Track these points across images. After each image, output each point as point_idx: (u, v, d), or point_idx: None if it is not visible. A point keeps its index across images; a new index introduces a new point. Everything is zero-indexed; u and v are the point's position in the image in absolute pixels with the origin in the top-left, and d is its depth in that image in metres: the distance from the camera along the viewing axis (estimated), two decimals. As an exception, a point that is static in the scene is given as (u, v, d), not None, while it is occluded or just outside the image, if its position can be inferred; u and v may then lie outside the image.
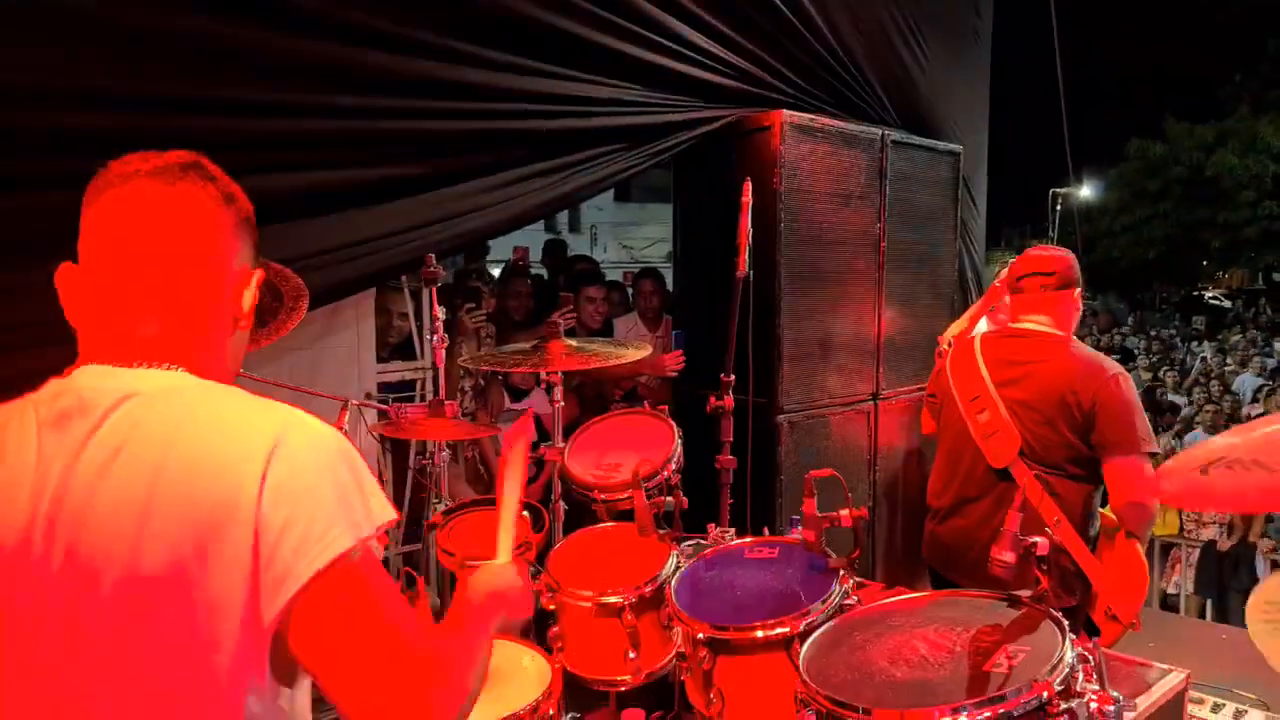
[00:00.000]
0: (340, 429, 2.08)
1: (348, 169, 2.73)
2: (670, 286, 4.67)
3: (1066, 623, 1.42)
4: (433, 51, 2.75)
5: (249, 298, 1.07)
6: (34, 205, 2.06)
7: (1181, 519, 6.21)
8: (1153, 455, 2.44)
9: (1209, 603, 6.27)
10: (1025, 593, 1.52)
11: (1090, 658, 1.39)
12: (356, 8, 2.55)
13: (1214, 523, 6.08)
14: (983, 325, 3.85)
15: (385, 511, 0.98)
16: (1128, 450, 2.41)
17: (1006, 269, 3.79)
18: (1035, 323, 2.63)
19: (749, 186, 2.55)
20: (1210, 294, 18.67)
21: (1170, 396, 9.64)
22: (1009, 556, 1.47)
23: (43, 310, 1.11)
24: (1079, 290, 2.70)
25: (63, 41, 2.10)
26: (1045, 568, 1.50)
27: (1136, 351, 12.52)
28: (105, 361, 0.99)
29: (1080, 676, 1.35)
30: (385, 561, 2.22)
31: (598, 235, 14.71)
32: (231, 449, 0.92)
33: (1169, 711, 2.18)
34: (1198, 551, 6.27)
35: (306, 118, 2.61)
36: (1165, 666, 2.22)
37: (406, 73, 2.72)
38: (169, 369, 0.99)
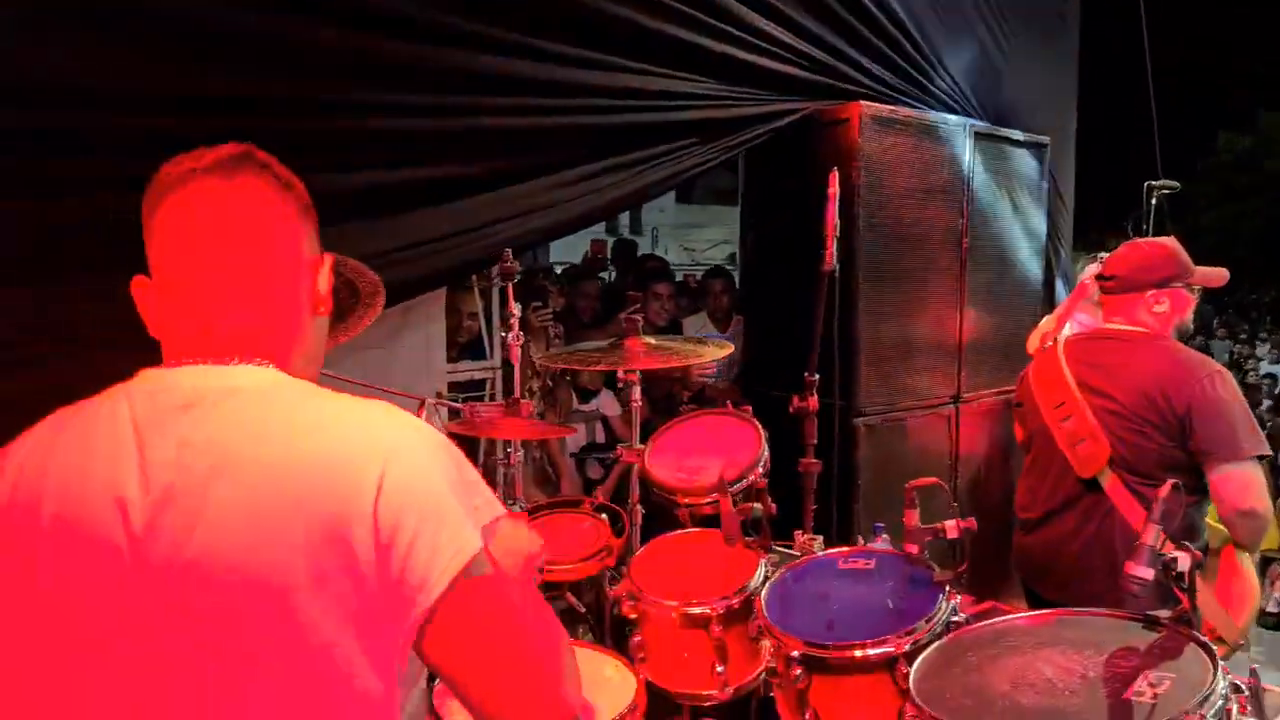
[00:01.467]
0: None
1: (418, 167, 2.70)
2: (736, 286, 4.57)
3: (1215, 648, 1.28)
4: (502, 48, 2.70)
5: (324, 282, 1.04)
6: (95, 206, 2.06)
7: (1281, 531, 5.85)
8: (1262, 459, 2.25)
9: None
10: (1164, 613, 1.38)
11: (1244, 688, 1.25)
12: (429, 5, 2.51)
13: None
14: (1069, 327, 3.66)
15: (496, 507, 0.95)
16: (1232, 455, 2.21)
17: (1096, 264, 3.62)
18: (1125, 322, 2.45)
19: (835, 177, 2.43)
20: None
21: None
22: (1145, 573, 1.33)
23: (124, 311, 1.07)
24: (1181, 285, 2.46)
25: (130, 42, 2.09)
26: (1186, 586, 1.36)
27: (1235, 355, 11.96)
28: (198, 360, 0.95)
29: (1234, 710, 1.21)
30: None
31: (659, 237, 14.65)
32: (344, 452, 0.89)
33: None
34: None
35: (376, 116, 2.58)
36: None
37: (476, 70, 2.68)
38: (261, 364, 0.96)
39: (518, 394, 2.26)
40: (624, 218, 14.41)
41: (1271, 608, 6.02)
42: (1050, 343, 2.64)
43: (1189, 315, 2.52)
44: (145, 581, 0.85)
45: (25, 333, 2.05)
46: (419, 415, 1.99)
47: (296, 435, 0.89)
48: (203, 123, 2.17)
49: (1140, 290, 2.43)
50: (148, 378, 0.95)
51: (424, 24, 2.53)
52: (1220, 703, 1.18)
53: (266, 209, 0.99)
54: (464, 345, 3.59)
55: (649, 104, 3.09)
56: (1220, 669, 1.23)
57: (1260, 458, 2.24)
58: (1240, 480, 2.21)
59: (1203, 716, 1.15)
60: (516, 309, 2.35)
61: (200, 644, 0.85)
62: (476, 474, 0.95)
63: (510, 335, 2.32)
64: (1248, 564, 2.31)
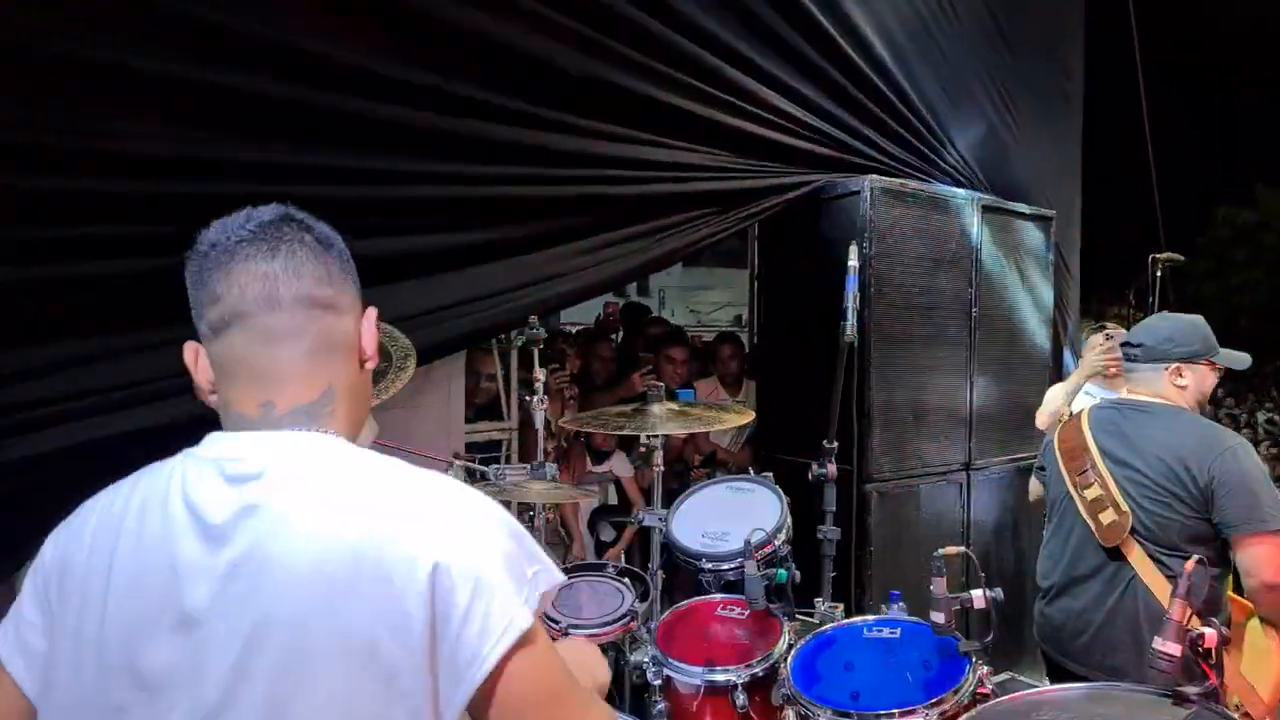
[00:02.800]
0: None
1: (447, 234, 2.78)
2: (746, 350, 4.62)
3: (1244, 725, 1.29)
4: (531, 120, 2.80)
5: (369, 335, 1.05)
6: (134, 270, 2.12)
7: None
8: None
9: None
10: (1193, 689, 1.39)
11: (1273, 766, 1.25)
12: (454, 79, 2.61)
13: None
14: (1094, 395, 3.69)
15: (552, 575, 0.96)
16: (1256, 527, 2.20)
17: (1100, 335, 3.67)
18: (1149, 393, 2.48)
19: (855, 250, 2.49)
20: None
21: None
22: (1174, 649, 1.34)
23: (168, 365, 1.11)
24: (1204, 362, 2.47)
25: (169, 110, 2.18)
26: (1214, 662, 1.37)
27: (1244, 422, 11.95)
28: (257, 427, 0.97)
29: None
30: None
31: (665, 299, 14.78)
32: (400, 530, 0.89)
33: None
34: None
35: (405, 185, 2.67)
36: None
37: (505, 141, 2.77)
38: (321, 431, 0.98)
39: (541, 457, 2.29)
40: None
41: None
42: (1068, 414, 2.66)
43: (1209, 391, 2.53)
44: (199, 652, 0.87)
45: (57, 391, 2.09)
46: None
47: (354, 511, 0.89)
48: (233, 188, 2.25)
49: (1166, 361, 2.45)
50: (214, 442, 0.97)
51: (449, 97, 2.62)
52: (1253, 781, 1.19)
53: (314, 268, 1.00)
54: (481, 406, 3.63)
55: (666, 175, 3.18)
56: (1251, 747, 1.23)
57: None
58: (1266, 553, 2.20)
59: (1236, 795, 1.15)
60: (541, 373, 2.39)
61: (254, 708, 0.85)
62: (532, 541, 0.96)
63: (535, 399, 2.35)
64: (1272, 637, 2.30)
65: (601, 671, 1.23)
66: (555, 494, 2.23)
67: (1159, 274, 4.01)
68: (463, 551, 0.88)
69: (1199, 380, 2.47)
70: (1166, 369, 2.45)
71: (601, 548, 3.98)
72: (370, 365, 1.05)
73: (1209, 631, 1.36)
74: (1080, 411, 2.68)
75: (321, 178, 2.48)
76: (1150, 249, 4.44)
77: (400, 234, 2.68)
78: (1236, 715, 2.19)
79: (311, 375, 0.99)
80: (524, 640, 0.88)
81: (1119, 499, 2.36)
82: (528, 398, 2.45)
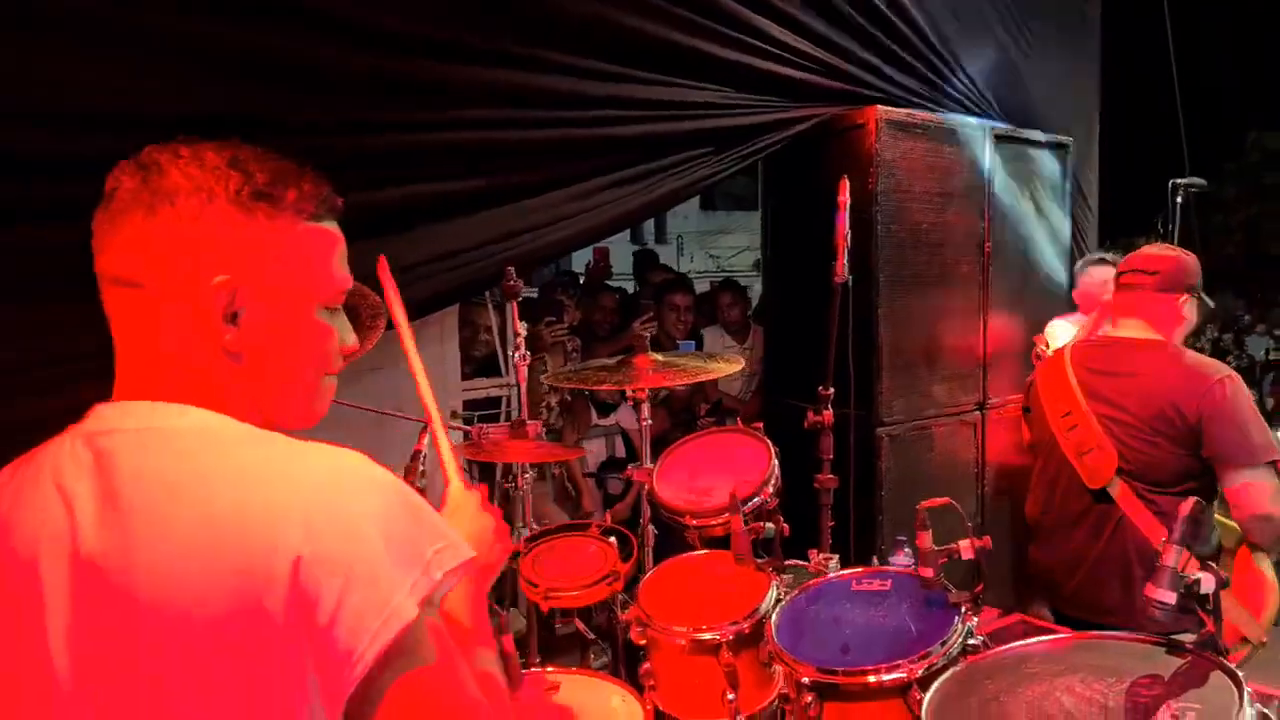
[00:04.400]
0: (420, 452, 2.02)
1: (430, 183, 2.69)
2: (759, 294, 4.51)
3: (1242, 675, 1.22)
4: (516, 61, 2.69)
5: (222, 305, 0.89)
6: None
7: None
8: (1275, 464, 2.17)
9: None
10: (1188, 636, 1.32)
11: (1273, 716, 1.19)
12: (440, 22, 2.50)
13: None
14: (1069, 332, 3.57)
15: (459, 551, 0.86)
16: (1246, 461, 2.16)
17: (1102, 267, 3.53)
18: (1132, 328, 2.38)
19: (846, 185, 2.39)
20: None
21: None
22: (1167, 596, 1.27)
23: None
24: (1189, 297, 2.39)
25: (137, 60, 2.10)
26: (1210, 608, 1.29)
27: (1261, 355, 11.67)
28: (127, 396, 0.90)
29: (1263, 742, 1.15)
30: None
31: (684, 245, 14.61)
32: (261, 511, 0.79)
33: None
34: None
35: (385, 133, 2.58)
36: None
37: (489, 83, 2.67)
38: (182, 405, 0.88)
39: (525, 414, 2.23)
40: (648, 227, 14.38)
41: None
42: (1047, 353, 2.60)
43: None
44: (60, 643, 0.81)
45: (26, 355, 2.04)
46: (421, 439, 1.98)
47: (216, 489, 0.81)
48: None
49: (1178, 291, 2.37)
50: (97, 415, 0.90)
51: (437, 41, 2.52)
52: (1248, 736, 1.12)
53: (118, 237, 0.88)
54: (481, 361, 3.58)
55: (663, 114, 3.06)
56: (1248, 697, 1.16)
57: (1273, 463, 2.18)
58: (1256, 486, 2.17)
59: (1229, 751, 1.09)
60: (523, 328, 2.33)
61: (111, 712, 0.80)
62: (432, 518, 0.86)
63: (516, 355, 2.29)
64: (1264, 561, 2.26)
65: (491, 550, 1.15)
66: (536, 453, 2.18)
67: (1179, 200, 3.84)
68: (333, 537, 0.79)
69: (1193, 313, 2.41)
70: (1179, 298, 2.36)
71: (612, 501, 3.95)
72: (233, 347, 0.89)
73: (1205, 576, 1.28)
74: (1061, 350, 2.59)
75: (295, 128, 2.39)
76: (1174, 176, 4.25)
77: (381, 186, 2.60)
78: (1233, 640, 2.15)
79: (138, 356, 0.90)
80: (409, 634, 0.79)
81: (1104, 437, 2.29)
82: (510, 353, 2.39)
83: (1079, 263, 3.91)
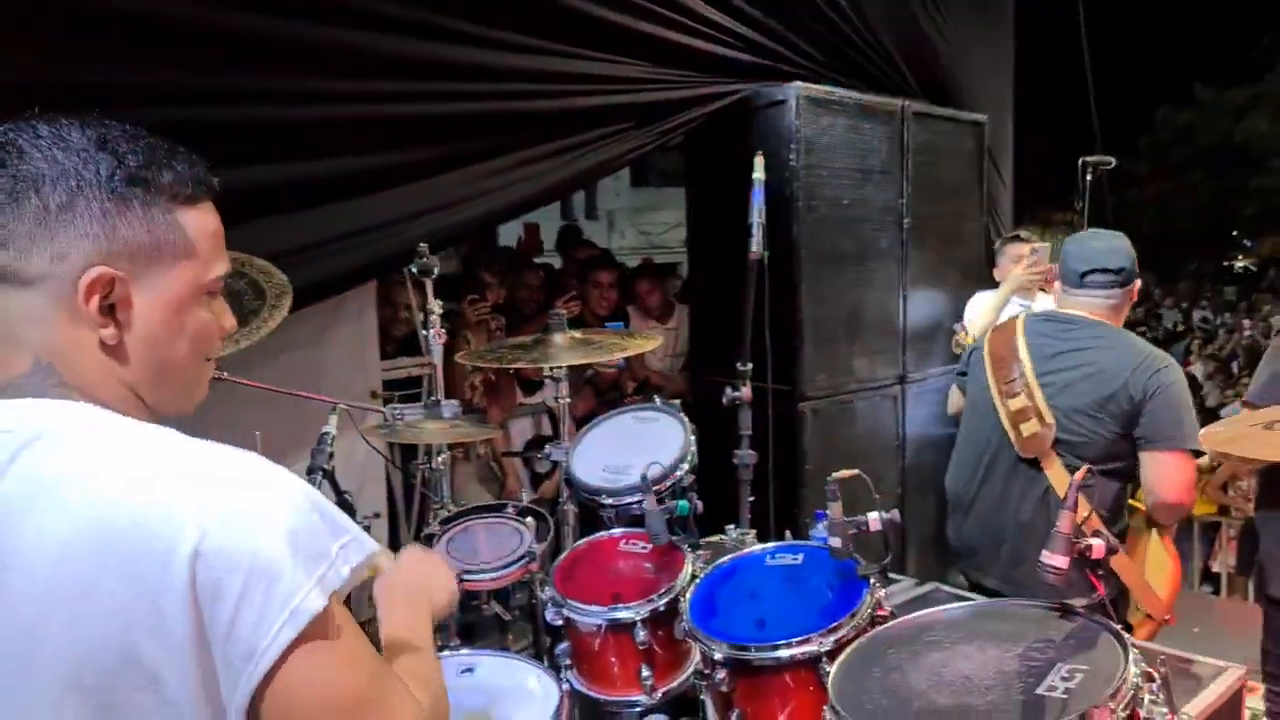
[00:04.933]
0: (328, 433, 1.96)
1: (341, 157, 2.62)
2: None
3: (1128, 636, 1.27)
4: (430, 32, 2.62)
5: (97, 298, 0.84)
6: None
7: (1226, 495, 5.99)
8: (1196, 454, 2.27)
9: (1250, 583, 6.04)
10: (1080, 601, 1.36)
11: (1156, 675, 1.24)
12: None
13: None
14: (991, 305, 3.67)
15: (364, 545, 0.84)
16: (1176, 445, 2.23)
17: (1022, 246, 3.62)
18: (1086, 308, 2.44)
19: (760, 162, 2.39)
20: (1240, 263, 18.24)
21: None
22: (1061, 561, 1.31)
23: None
24: (1137, 284, 2.48)
25: (42, 30, 1.98)
26: (1101, 573, 1.34)
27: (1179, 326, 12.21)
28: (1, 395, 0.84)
29: (1145, 698, 1.20)
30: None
31: (614, 220, 14.53)
32: (155, 513, 0.76)
33: (1227, 711, 2.03)
34: (1239, 530, 6.04)
35: (296, 105, 2.49)
36: (1220, 663, 2.07)
37: (403, 55, 2.60)
38: (62, 401, 0.84)
39: (440, 395, 2.19)
40: (579, 202, 14.27)
41: (1216, 567, 6.16)
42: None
43: None
44: None
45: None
46: (331, 422, 1.93)
47: (103, 490, 0.77)
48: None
49: (1133, 282, 2.43)
50: None
51: (345, 8, 2.44)
52: (1131, 693, 1.17)
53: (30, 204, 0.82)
54: (402, 341, 3.51)
55: (582, 88, 3.02)
56: (1132, 658, 1.21)
57: (1196, 454, 2.26)
58: (1174, 469, 2.24)
59: (1112, 709, 1.13)
60: (437, 305, 2.27)
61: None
62: (334, 513, 0.84)
63: (431, 332, 2.24)
64: (1169, 542, 2.34)
65: (441, 594, 1.17)
66: (453, 433, 2.14)
67: (1089, 178, 3.95)
68: (233, 533, 0.76)
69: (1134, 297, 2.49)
70: (1134, 286, 2.44)
71: (537, 480, 3.93)
72: (105, 329, 0.85)
73: (1096, 542, 1.33)
74: (1013, 319, 2.64)
75: (203, 98, 2.29)
76: (1086, 152, 4.37)
77: (289, 160, 2.51)
78: (1140, 623, 2.24)
79: (10, 352, 0.85)
80: (313, 628, 0.76)
81: (1044, 411, 2.34)
82: (424, 332, 2.34)
83: (998, 241, 4.01)
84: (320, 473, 1.85)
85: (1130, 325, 2.54)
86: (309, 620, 0.76)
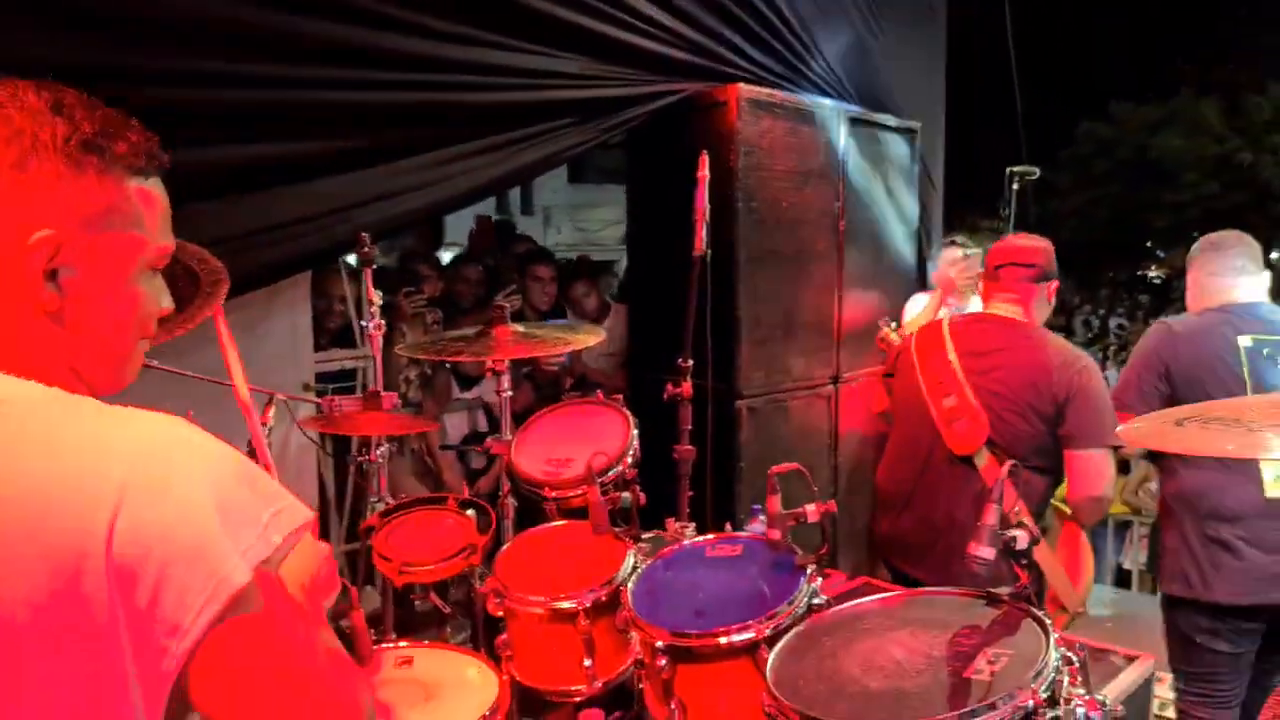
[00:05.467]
0: (266, 424, 1.92)
1: (278, 144, 2.56)
2: (626, 267, 4.51)
3: (1049, 622, 1.33)
4: (370, 19, 2.59)
5: (49, 272, 0.83)
6: None
7: (1131, 495, 6.27)
8: (1116, 449, 2.39)
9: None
10: (1005, 590, 1.43)
11: (1075, 659, 1.30)
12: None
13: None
14: (926, 309, 3.79)
15: (296, 513, 0.81)
16: (1096, 443, 2.35)
17: (957, 250, 3.75)
18: (1009, 310, 2.54)
19: (705, 160, 2.42)
20: (1154, 273, 19.08)
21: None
22: (987, 552, 1.38)
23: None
24: (1056, 284, 2.61)
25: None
26: (1025, 563, 1.41)
27: (1083, 332, 12.72)
28: None
29: (1065, 681, 1.26)
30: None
31: (551, 217, 14.47)
32: (74, 482, 0.74)
33: (1138, 699, 2.14)
34: (1149, 528, 6.34)
35: (230, 88, 2.43)
36: (1131, 653, 2.18)
37: (342, 42, 2.56)
38: None
39: (379, 386, 2.17)
40: (515, 198, 14.15)
41: (1127, 564, 6.46)
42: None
43: None
44: None
45: None
46: (267, 412, 1.89)
47: (20, 461, 0.75)
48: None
49: (1050, 280, 2.55)
50: None
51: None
52: (1052, 676, 1.23)
53: None
54: (336, 332, 3.45)
55: (525, 82, 3.01)
56: (1053, 643, 1.28)
57: (1114, 449, 2.38)
58: (1097, 466, 2.35)
59: (1035, 691, 1.19)
60: (377, 296, 2.25)
61: None
62: (267, 483, 0.82)
63: (370, 324, 2.22)
64: (1085, 538, 2.46)
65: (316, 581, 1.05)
66: (390, 425, 2.12)
67: (1015, 187, 4.11)
68: (153, 508, 0.74)
69: (1053, 298, 2.60)
70: (1050, 285, 2.55)
71: (475, 476, 3.90)
72: (51, 307, 0.84)
73: (1019, 534, 1.39)
74: (940, 321, 2.73)
75: (134, 79, 2.22)
76: (1013, 162, 4.53)
77: (220, 144, 2.45)
78: (1053, 607, 2.35)
79: None
80: (239, 602, 0.74)
81: (977, 408, 2.42)
82: (363, 323, 2.31)
83: (934, 246, 4.14)
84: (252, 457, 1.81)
85: (1051, 330, 2.66)
86: (233, 593, 0.74)
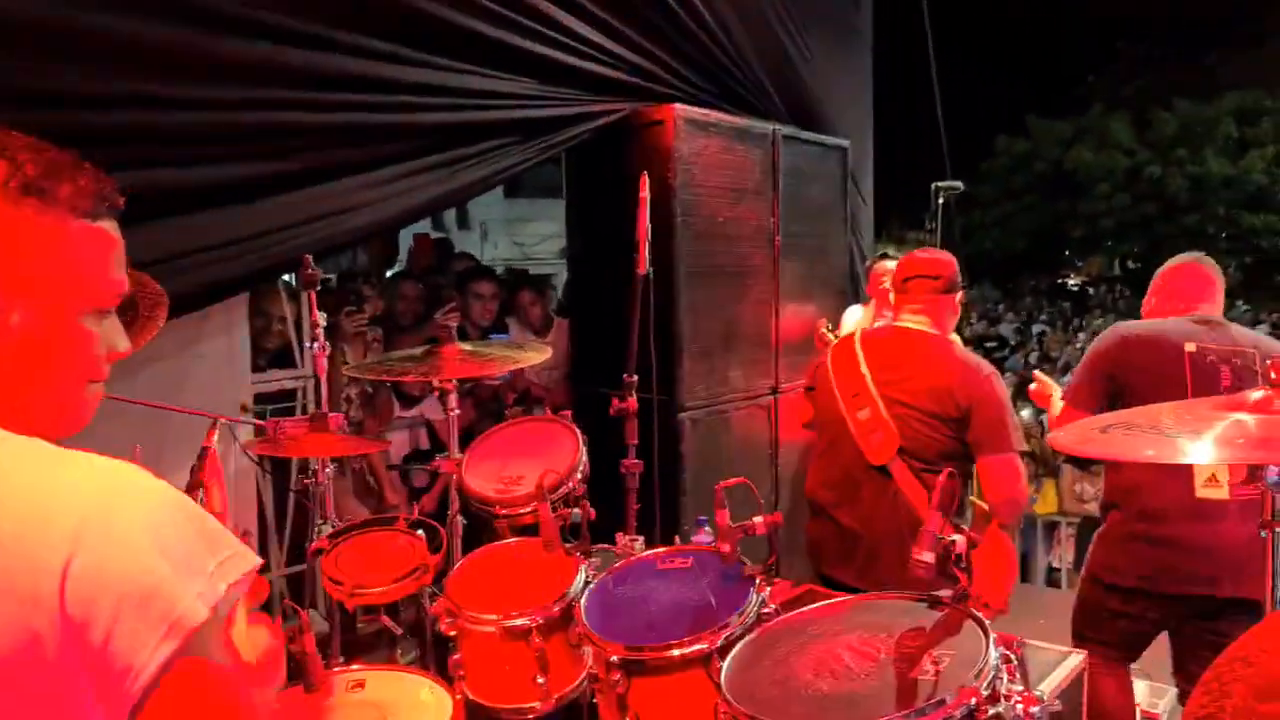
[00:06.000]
0: (210, 449, 1.89)
1: (218, 165, 2.53)
2: (565, 281, 4.54)
3: (988, 622, 1.40)
4: (311, 41, 2.58)
5: None
6: None
7: (1061, 498, 6.52)
8: (1023, 453, 2.52)
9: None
10: (945, 593, 1.49)
11: (1013, 657, 1.37)
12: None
13: (1095, 500, 6.40)
14: (862, 320, 3.92)
15: (244, 560, 0.82)
16: (1003, 448, 2.48)
17: (888, 263, 3.88)
18: (916, 322, 2.66)
19: (646, 181, 2.47)
20: (1072, 282, 19.88)
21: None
22: (929, 557, 1.44)
23: None
24: (960, 295, 2.75)
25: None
26: (964, 565, 1.48)
27: (1012, 339, 13.18)
28: None
29: (1005, 678, 1.33)
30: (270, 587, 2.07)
31: (488, 232, 14.40)
32: (22, 530, 0.73)
33: (1072, 692, 2.23)
34: (1077, 528, 6.59)
35: (170, 110, 2.40)
36: (1064, 649, 2.28)
37: (282, 63, 2.54)
38: None
39: (325, 407, 2.15)
40: (450, 213, 14.04)
41: (1055, 563, 6.70)
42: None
43: None
44: None
45: None
46: (210, 436, 1.86)
47: None
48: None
49: (955, 291, 2.67)
50: None
51: (229, 16, 2.37)
52: (992, 674, 1.29)
53: None
54: (274, 353, 3.39)
55: (466, 102, 3.03)
56: (992, 642, 1.34)
57: (1022, 453, 2.51)
58: (1007, 470, 2.48)
59: (978, 689, 1.25)
60: (321, 318, 2.23)
61: None
62: (216, 528, 0.82)
63: (315, 346, 2.20)
64: (1007, 540, 2.58)
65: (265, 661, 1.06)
66: (338, 446, 2.10)
67: (940, 201, 4.27)
68: (103, 551, 0.74)
69: (958, 308, 2.73)
70: (955, 296, 2.67)
71: (417, 495, 3.86)
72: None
73: (959, 539, 1.46)
74: (851, 335, 2.84)
75: (71, 103, 2.18)
76: (937, 176, 4.70)
77: (162, 166, 2.41)
78: (980, 612, 2.45)
79: None
80: (192, 643, 0.74)
81: (888, 420, 2.53)
82: (306, 343, 2.29)
83: (868, 260, 4.27)
84: (200, 488, 1.78)
85: (975, 338, 2.79)
86: (187, 634, 0.74)
